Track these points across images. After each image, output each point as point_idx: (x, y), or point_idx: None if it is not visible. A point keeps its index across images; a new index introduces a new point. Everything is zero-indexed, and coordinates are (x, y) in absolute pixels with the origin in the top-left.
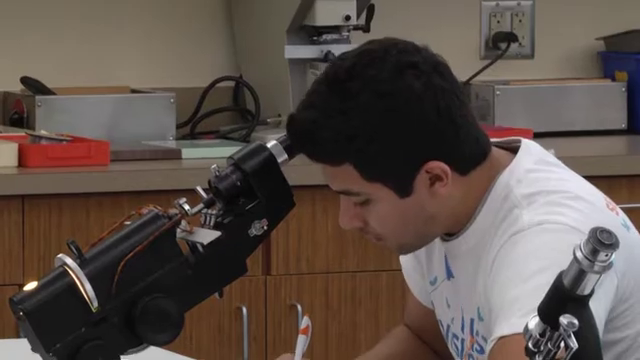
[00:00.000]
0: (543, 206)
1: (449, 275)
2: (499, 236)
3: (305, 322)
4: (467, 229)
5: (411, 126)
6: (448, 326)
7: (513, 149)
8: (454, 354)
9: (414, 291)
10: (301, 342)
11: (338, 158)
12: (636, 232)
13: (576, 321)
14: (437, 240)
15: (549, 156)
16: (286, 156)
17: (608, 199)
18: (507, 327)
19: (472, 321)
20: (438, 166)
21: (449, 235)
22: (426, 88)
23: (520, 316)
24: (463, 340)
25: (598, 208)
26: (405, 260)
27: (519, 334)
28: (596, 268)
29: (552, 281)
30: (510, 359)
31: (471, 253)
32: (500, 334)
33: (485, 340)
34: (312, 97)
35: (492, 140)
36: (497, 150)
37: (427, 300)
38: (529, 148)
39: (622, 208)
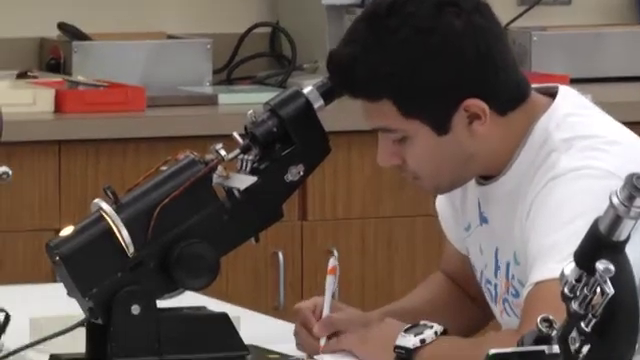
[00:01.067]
0: (581, 151)
1: (482, 221)
2: (537, 181)
3: (332, 262)
4: (505, 172)
5: (450, 63)
6: (482, 272)
7: (551, 94)
8: (488, 299)
9: (451, 238)
10: (330, 282)
11: (377, 94)
12: None
13: (612, 267)
14: (471, 185)
15: (586, 101)
16: (322, 102)
17: None
18: (546, 272)
19: (508, 265)
20: (476, 104)
21: (485, 179)
22: (466, 26)
23: (557, 261)
24: (497, 285)
25: (636, 153)
26: (441, 207)
27: (556, 279)
28: (632, 214)
29: (587, 225)
30: (547, 303)
31: (508, 197)
32: (537, 279)
33: (521, 284)
34: (352, 34)
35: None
36: (535, 94)
37: (463, 247)
38: (567, 93)
39: None
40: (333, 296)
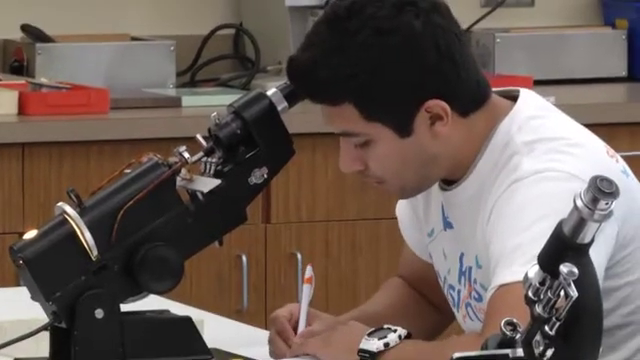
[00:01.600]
0: (544, 153)
1: (446, 226)
2: (499, 184)
3: (309, 272)
4: (468, 177)
5: (410, 64)
6: (445, 277)
7: (513, 97)
8: (451, 305)
9: (411, 244)
10: (306, 291)
11: (338, 97)
12: (635, 179)
13: (576, 270)
14: (435, 191)
15: (548, 104)
16: (286, 104)
17: (608, 146)
18: (509, 275)
19: (470, 269)
20: (438, 104)
21: (448, 184)
22: (425, 26)
23: (521, 264)
24: (459, 291)
25: (598, 155)
26: (402, 214)
27: (520, 282)
28: (596, 217)
29: (553, 229)
30: (510, 307)
31: (471, 201)
32: (501, 282)
33: (483, 288)
34: (312, 37)
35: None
36: (497, 97)
37: (423, 253)
38: (528, 96)
39: (622, 156)
40: (310, 304)
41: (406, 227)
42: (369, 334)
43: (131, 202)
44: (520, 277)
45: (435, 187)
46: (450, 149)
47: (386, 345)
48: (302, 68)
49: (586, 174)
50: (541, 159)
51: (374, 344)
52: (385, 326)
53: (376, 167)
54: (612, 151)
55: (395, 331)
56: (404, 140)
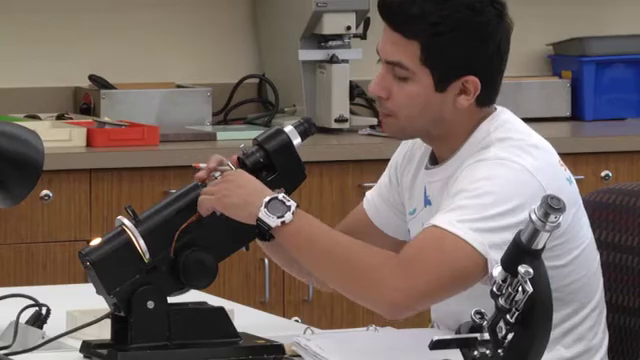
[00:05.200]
0: (509, 147)
1: (426, 203)
2: (467, 164)
3: None
4: (449, 159)
5: (481, 40)
6: None
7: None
8: None
9: (381, 224)
10: None
11: (413, 34)
12: (576, 188)
13: (531, 270)
14: (421, 174)
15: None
16: (299, 139)
17: (560, 159)
18: (446, 223)
19: None
20: (475, 82)
21: (432, 165)
22: (504, 21)
23: (458, 220)
24: None
25: (551, 160)
26: (378, 199)
27: (450, 232)
28: (547, 228)
29: (494, 203)
30: (433, 246)
31: (447, 181)
32: (437, 223)
33: None
34: None
35: None
36: None
37: (398, 231)
38: (505, 108)
39: None
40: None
41: (380, 209)
42: (267, 206)
43: (184, 225)
44: (452, 229)
45: (422, 170)
46: (453, 122)
47: (283, 222)
48: (401, 0)
49: (537, 171)
50: (506, 150)
51: (273, 221)
52: (280, 196)
53: (399, 100)
54: (562, 163)
55: (289, 207)
56: (434, 93)
